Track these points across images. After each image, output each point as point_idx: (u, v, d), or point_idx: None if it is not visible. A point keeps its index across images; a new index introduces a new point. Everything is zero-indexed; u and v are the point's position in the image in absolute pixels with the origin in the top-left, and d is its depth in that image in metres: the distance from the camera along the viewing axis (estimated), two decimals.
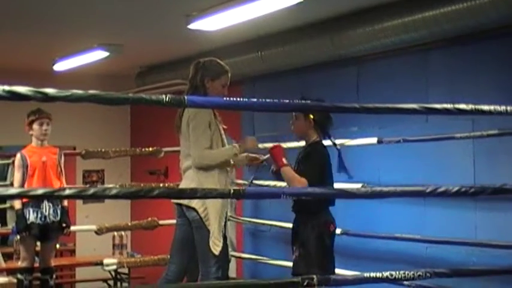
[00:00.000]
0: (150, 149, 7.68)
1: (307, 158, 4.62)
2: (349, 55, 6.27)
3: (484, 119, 4.91)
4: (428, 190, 2.97)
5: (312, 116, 4.57)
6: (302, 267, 4.45)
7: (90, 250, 8.62)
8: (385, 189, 3.20)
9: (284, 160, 4.56)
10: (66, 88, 2.58)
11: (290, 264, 6.65)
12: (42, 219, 5.94)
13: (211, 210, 4.41)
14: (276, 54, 6.82)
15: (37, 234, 5.98)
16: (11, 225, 9.23)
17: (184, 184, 4.55)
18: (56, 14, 6.09)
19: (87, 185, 9.38)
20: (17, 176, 5.97)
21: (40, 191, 2.37)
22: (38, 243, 6.21)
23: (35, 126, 5.99)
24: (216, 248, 4.42)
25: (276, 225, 7.04)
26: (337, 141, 5.95)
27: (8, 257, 7.59)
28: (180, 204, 4.50)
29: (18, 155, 5.99)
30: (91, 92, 2.62)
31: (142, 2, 5.68)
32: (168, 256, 4.83)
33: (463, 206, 5.45)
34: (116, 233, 7.59)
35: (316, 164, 4.56)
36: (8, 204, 9.37)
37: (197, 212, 4.42)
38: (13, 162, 6.21)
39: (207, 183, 4.36)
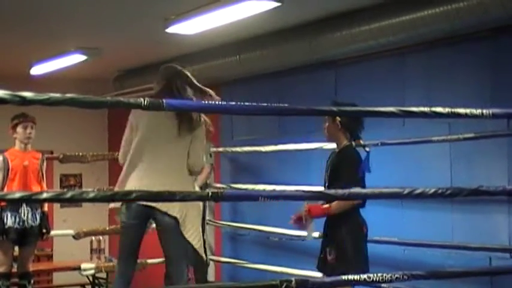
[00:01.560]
0: None
1: (341, 164, 4.59)
2: (327, 59, 6.31)
3: (460, 122, 4.96)
4: (405, 192, 2.99)
5: (338, 119, 4.57)
6: (340, 270, 4.43)
7: (68, 255, 8.57)
8: (363, 191, 3.23)
9: (323, 206, 4.53)
10: (44, 92, 2.57)
11: (268, 267, 6.72)
12: (21, 223, 5.88)
13: (189, 219, 4.41)
14: (254, 57, 6.84)
15: (15, 238, 5.92)
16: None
17: (182, 184, 4.41)
18: (33, 16, 6.05)
19: (65, 189, 9.33)
20: None
21: (18, 195, 2.36)
22: (16, 248, 6.15)
23: (19, 129, 5.94)
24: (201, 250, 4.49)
25: (254, 229, 7.06)
26: (315, 145, 6.01)
27: None
28: (147, 206, 4.37)
29: (0, 157, 5.95)
30: (69, 95, 2.62)
31: (120, 6, 5.67)
32: (120, 258, 4.71)
33: (440, 208, 5.51)
34: (93, 238, 7.55)
35: (351, 171, 4.53)
36: None
37: (175, 219, 4.38)
38: None
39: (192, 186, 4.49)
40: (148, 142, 4.47)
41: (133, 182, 4.41)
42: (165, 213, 4.37)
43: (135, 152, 4.54)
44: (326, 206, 4.49)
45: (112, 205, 4.65)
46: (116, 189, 4.39)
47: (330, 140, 4.83)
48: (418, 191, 2.99)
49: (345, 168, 4.52)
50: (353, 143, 4.62)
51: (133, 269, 4.67)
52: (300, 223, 4.68)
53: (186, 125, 4.40)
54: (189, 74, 4.65)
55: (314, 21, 6.11)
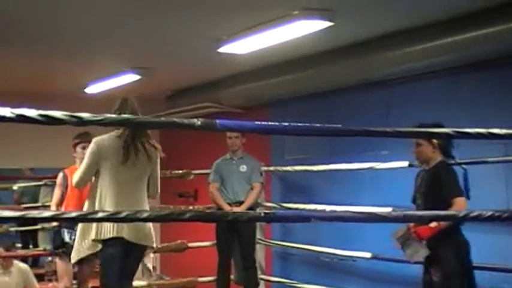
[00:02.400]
0: (180, 171, 7.71)
1: (440, 178, 4.55)
2: (378, 78, 6.27)
3: None
4: (461, 215, 2.93)
5: (435, 141, 4.55)
6: None
7: None
8: (418, 213, 3.18)
9: (432, 226, 4.49)
10: (97, 111, 2.60)
11: None
12: None
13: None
14: (304, 77, 6.83)
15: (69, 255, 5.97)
16: (42, 246, 9.32)
17: (147, 206, 4.92)
18: (89, 38, 6.16)
19: None
20: (57, 194, 6.02)
21: (74, 214, 2.38)
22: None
23: (78, 149, 6.01)
24: None
25: (305, 249, 7.01)
26: (367, 165, 5.96)
27: (39, 278, 7.64)
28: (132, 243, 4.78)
29: (61, 174, 6.05)
30: (123, 116, 2.66)
31: (173, 26, 5.73)
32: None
33: (495, 230, 5.38)
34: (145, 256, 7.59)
35: (452, 178, 4.51)
36: (39, 226, 9.47)
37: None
38: (55, 180, 6.26)
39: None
40: (116, 171, 4.75)
41: (111, 208, 4.65)
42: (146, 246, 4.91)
43: (111, 182, 4.77)
44: (434, 225, 4.43)
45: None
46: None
47: (421, 162, 4.77)
48: (474, 214, 2.92)
49: (445, 179, 4.46)
50: (445, 160, 4.58)
51: None
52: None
53: (144, 153, 4.79)
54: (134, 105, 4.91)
55: (366, 40, 6.07)
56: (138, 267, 5.11)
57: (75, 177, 4.92)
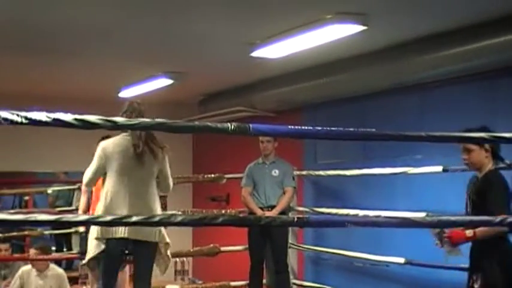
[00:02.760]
0: (213, 175, 7.73)
1: (488, 189, 4.49)
2: (412, 82, 6.21)
3: None
4: (497, 220, 2.89)
5: (487, 145, 4.47)
6: None
7: (153, 276, 8.66)
8: (452, 218, 3.14)
9: (466, 233, 4.44)
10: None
11: None
12: None
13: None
14: (337, 81, 6.80)
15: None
16: (76, 249, 9.40)
17: (157, 205, 5.03)
18: (122, 42, 6.21)
19: None
20: (83, 201, 6.05)
21: (108, 218, 2.40)
22: None
23: None
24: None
25: (337, 253, 6.98)
26: (400, 169, 5.91)
27: (73, 281, 7.71)
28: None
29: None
30: (157, 120, 2.65)
31: (206, 31, 5.75)
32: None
33: None
34: (178, 259, 7.63)
35: (500, 193, 4.43)
36: (73, 229, 9.55)
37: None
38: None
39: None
40: (125, 172, 4.92)
41: (123, 209, 4.82)
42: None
43: (117, 183, 4.92)
44: (470, 232, 4.36)
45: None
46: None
47: (473, 168, 4.67)
48: (510, 220, 2.89)
49: (493, 193, 4.38)
50: (496, 167, 4.50)
51: None
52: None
53: (150, 154, 4.94)
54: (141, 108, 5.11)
55: (399, 44, 6.03)
56: (152, 265, 5.17)
57: (85, 178, 5.09)
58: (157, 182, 5.09)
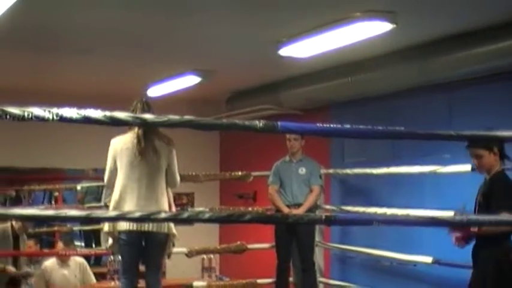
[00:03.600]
0: (240, 173, 7.74)
1: (493, 191, 4.50)
2: (440, 81, 6.16)
3: None
4: None
5: (495, 148, 4.48)
6: None
7: (180, 272, 8.70)
8: (481, 218, 3.11)
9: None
10: (159, 113, 2.62)
11: None
12: None
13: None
14: (365, 80, 6.77)
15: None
16: (104, 245, 9.45)
17: (164, 200, 5.20)
18: (150, 40, 6.24)
19: (178, 208, 9.49)
20: None
21: (137, 214, 2.41)
22: None
23: None
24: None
25: (364, 252, 6.95)
26: (428, 168, 5.86)
27: (101, 276, 7.77)
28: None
29: None
30: (186, 117, 2.65)
31: (234, 29, 5.76)
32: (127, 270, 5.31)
33: None
34: (205, 256, 7.63)
35: (504, 194, 4.44)
36: (102, 225, 9.60)
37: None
38: None
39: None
40: (133, 168, 5.09)
41: (130, 204, 5.03)
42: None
43: (125, 179, 5.11)
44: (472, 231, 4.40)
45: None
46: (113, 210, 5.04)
47: (483, 172, 4.68)
48: None
49: (496, 194, 4.38)
50: (503, 168, 4.49)
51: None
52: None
53: (153, 150, 5.10)
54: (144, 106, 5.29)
55: (428, 42, 5.98)
56: (163, 255, 5.38)
57: (105, 178, 5.29)
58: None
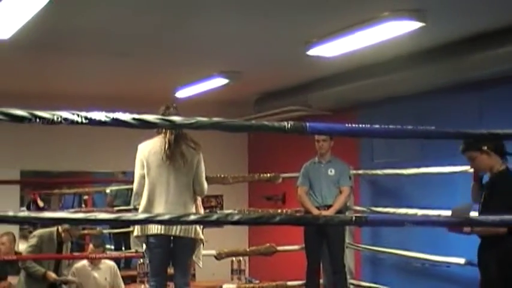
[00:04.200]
0: (268, 174, 7.74)
1: (495, 190, 4.48)
2: (471, 80, 6.09)
3: None
4: None
5: (485, 147, 4.48)
6: None
7: (209, 275, 8.72)
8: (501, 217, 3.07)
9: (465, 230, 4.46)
10: (187, 115, 2.63)
11: None
12: None
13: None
14: (394, 79, 6.73)
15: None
16: (134, 248, 9.51)
17: (191, 205, 5.28)
18: (178, 43, 6.26)
19: (207, 210, 9.52)
20: None
21: (167, 217, 2.42)
22: None
23: None
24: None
25: (395, 253, 6.90)
26: (459, 168, 5.81)
27: (131, 279, 7.82)
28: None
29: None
30: (215, 119, 2.66)
31: (261, 30, 5.76)
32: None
33: None
34: (234, 259, 7.65)
35: (503, 197, 4.42)
36: (131, 228, 9.66)
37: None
38: None
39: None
40: (160, 174, 5.15)
41: (158, 208, 5.11)
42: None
43: (153, 184, 5.17)
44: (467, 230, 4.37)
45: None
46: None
47: (484, 172, 4.66)
48: None
49: (498, 194, 4.35)
50: (506, 166, 4.46)
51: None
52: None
53: (181, 156, 5.15)
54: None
55: (458, 41, 5.93)
56: (188, 258, 5.43)
57: (134, 187, 5.34)
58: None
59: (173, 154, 5.12)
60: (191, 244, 5.32)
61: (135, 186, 5.30)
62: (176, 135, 5.13)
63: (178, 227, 5.11)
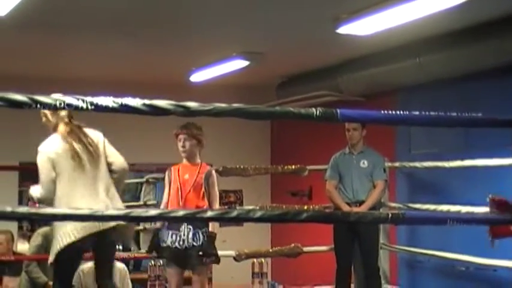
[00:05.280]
0: (293, 166, 7.73)
1: None
2: None
3: None
4: None
5: None
6: None
7: (228, 278, 8.76)
8: None
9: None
10: (203, 100, 2.64)
11: None
12: (181, 243, 5.92)
13: None
14: (436, 60, 6.71)
15: (171, 259, 6.01)
16: (144, 249, 9.56)
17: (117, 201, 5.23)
18: (193, 22, 6.27)
19: (225, 206, 9.54)
20: (165, 193, 6.15)
21: (181, 213, 2.43)
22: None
23: (177, 141, 6.09)
24: None
25: (435, 256, 6.89)
26: (509, 161, 5.77)
27: (141, 283, 7.86)
28: None
29: (167, 171, 6.15)
30: (234, 105, 2.67)
31: (284, 6, 5.75)
32: None
33: None
34: (255, 260, 7.66)
35: None
36: (141, 227, 9.72)
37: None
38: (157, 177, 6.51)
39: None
40: (71, 173, 5.06)
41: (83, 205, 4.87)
42: None
43: (69, 185, 5.05)
44: None
45: None
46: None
47: None
48: None
49: None
50: None
51: None
52: None
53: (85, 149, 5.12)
54: None
55: (506, 17, 5.88)
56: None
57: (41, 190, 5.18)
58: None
59: (78, 149, 5.12)
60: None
61: (42, 191, 5.16)
62: (72, 128, 5.15)
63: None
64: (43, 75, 8.22)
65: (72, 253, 4.98)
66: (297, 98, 8.54)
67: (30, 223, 9.06)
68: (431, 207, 6.65)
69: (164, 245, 5.92)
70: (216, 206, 6.02)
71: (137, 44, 7.18)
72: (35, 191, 5.15)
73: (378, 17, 5.61)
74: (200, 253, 5.89)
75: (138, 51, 7.57)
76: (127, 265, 8.01)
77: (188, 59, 7.84)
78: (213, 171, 6.14)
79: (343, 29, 5.98)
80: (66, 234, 4.85)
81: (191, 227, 5.86)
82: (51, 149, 5.08)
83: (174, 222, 5.71)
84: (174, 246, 5.85)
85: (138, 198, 10.00)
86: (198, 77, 8.36)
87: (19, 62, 7.96)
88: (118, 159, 5.31)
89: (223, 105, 2.63)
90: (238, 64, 7.63)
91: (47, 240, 7.06)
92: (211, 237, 5.92)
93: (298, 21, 6.21)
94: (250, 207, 7.74)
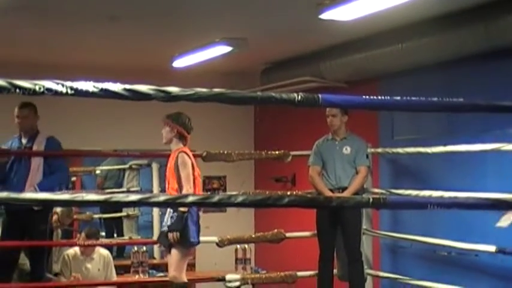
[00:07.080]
0: (277, 152, 7.73)
1: None
2: (507, 45, 6.05)
3: None
4: None
5: None
6: None
7: (211, 264, 8.77)
8: None
9: None
10: (186, 86, 2.62)
11: (434, 285, 6.56)
12: (163, 225, 6.27)
13: None
14: (419, 46, 6.69)
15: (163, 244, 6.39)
16: (128, 235, 9.56)
17: None
18: (175, 7, 6.24)
19: (208, 193, 9.55)
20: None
21: (162, 198, 2.42)
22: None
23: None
24: None
25: (418, 241, 6.91)
26: (491, 146, 5.80)
27: (124, 269, 7.85)
28: None
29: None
30: (216, 90, 2.66)
31: None
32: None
33: None
34: (238, 246, 7.67)
35: None
36: (124, 213, 9.71)
37: None
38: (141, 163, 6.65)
39: None
40: None
41: None
42: None
43: None
44: None
45: None
46: None
47: None
48: None
49: None
50: None
51: None
52: None
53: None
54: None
55: (490, 2, 5.88)
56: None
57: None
58: None
59: None
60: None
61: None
62: None
63: None
64: (26, 61, 8.15)
65: None
66: (280, 84, 8.54)
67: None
68: (414, 192, 6.67)
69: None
70: (186, 187, 6.07)
71: (120, 30, 7.13)
72: None
73: (361, 3, 5.60)
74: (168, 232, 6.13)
75: (120, 38, 7.52)
76: (110, 251, 8.02)
77: (171, 45, 7.80)
78: (181, 154, 6.20)
79: (326, 15, 5.96)
80: None
81: (171, 210, 6.11)
82: None
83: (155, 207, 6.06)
84: (162, 229, 6.27)
85: (120, 185, 9.98)
86: (181, 63, 8.32)
87: (1, 48, 7.89)
88: None
89: (204, 90, 2.62)
90: (221, 50, 7.60)
91: None
92: (179, 216, 6.07)
93: (282, 7, 6.20)
94: (233, 193, 7.72)
